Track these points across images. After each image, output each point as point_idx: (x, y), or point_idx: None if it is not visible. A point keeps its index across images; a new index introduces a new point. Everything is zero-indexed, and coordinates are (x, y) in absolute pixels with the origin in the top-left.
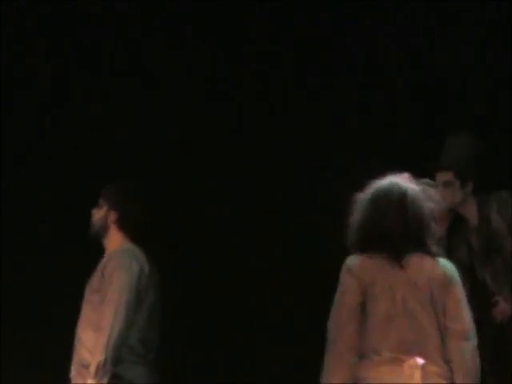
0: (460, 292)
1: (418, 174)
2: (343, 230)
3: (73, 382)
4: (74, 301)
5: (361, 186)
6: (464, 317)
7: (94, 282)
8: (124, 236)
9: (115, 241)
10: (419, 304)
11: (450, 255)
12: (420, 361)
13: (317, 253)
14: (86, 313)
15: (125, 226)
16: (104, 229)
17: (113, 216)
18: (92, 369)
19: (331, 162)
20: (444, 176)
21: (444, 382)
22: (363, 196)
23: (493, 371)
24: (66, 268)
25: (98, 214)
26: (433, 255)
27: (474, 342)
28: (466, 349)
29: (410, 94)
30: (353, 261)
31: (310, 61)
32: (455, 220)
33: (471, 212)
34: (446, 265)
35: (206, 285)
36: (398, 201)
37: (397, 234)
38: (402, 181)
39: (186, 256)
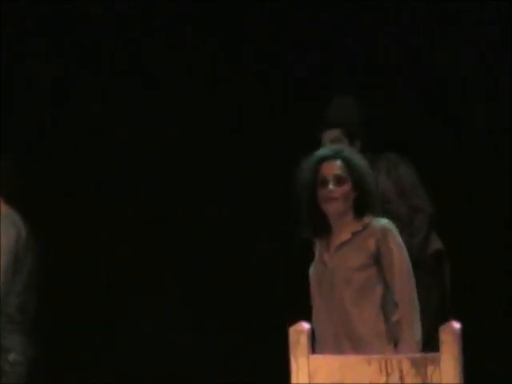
0: None
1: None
2: None
3: None
4: None
5: None
6: None
7: None
8: (1, 201)
9: None
10: None
11: None
12: None
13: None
14: None
15: (1, 190)
16: None
17: None
18: None
19: None
20: (331, 134)
21: None
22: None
23: None
24: None
25: None
26: None
27: None
28: None
29: (410, 94)
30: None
31: (310, 61)
32: None
33: None
34: None
35: (206, 285)
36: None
37: None
38: None
39: (186, 256)
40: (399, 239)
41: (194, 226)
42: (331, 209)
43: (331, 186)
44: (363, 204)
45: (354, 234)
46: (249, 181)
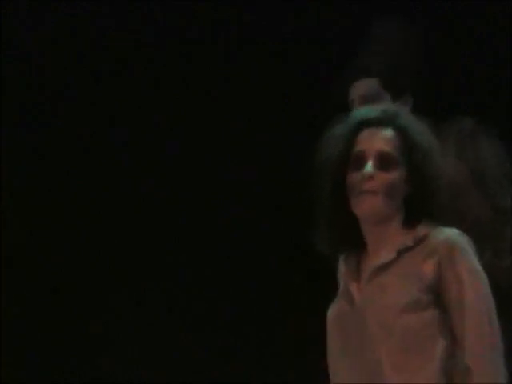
0: None
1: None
2: None
3: None
4: None
5: None
6: None
7: None
8: None
9: None
10: None
11: None
12: None
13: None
14: None
15: None
16: None
17: None
18: None
19: None
20: (363, 86)
21: None
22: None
23: None
24: None
25: None
26: None
27: None
28: None
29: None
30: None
31: (310, 60)
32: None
33: None
34: None
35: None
36: None
37: None
38: None
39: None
40: (475, 261)
41: (192, 226)
42: (365, 208)
43: (370, 169)
44: (420, 205)
45: (402, 253)
46: (250, 181)
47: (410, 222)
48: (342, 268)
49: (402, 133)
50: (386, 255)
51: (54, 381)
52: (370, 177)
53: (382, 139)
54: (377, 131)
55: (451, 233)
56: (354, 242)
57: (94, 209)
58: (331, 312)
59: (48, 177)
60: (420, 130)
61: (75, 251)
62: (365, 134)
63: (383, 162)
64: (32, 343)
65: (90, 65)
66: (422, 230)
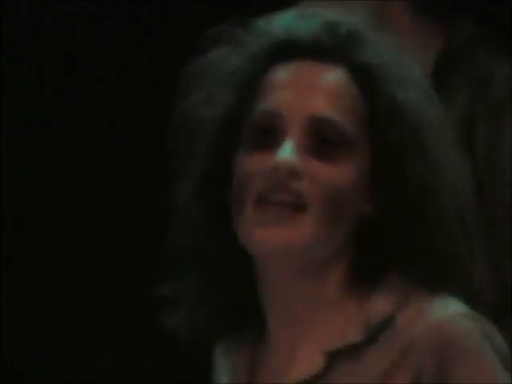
0: None
1: None
2: None
3: None
4: None
5: None
6: None
7: None
8: None
9: None
10: None
11: None
12: None
13: None
14: None
15: None
16: None
17: None
18: None
19: None
20: None
21: None
22: None
23: None
24: None
25: None
26: None
27: None
28: None
29: None
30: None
31: None
32: None
33: None
34: None
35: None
36: None
37: None
38: None
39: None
40: (497, 373)
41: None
42: (272, 239)
43: (290, 153)
44: (393, 239)
45: (338, 358)
46: None
47: (362, 276)
48: (221, 375)
49: (368, 80)
50: (306, 361)
51: (54, 381)
52: (291, 170)
53: (324, 92)
54: (314, 71)
55: (447, 313)
56: (242, 312)
57: (94, 209)
58: None
59: (48, 177)
60: (407, 72)
61: (75, 251)
62: (285, 74)
63: (322, 141)
64: (32, 343)
65: (90, 65)
66: (383, 302)
